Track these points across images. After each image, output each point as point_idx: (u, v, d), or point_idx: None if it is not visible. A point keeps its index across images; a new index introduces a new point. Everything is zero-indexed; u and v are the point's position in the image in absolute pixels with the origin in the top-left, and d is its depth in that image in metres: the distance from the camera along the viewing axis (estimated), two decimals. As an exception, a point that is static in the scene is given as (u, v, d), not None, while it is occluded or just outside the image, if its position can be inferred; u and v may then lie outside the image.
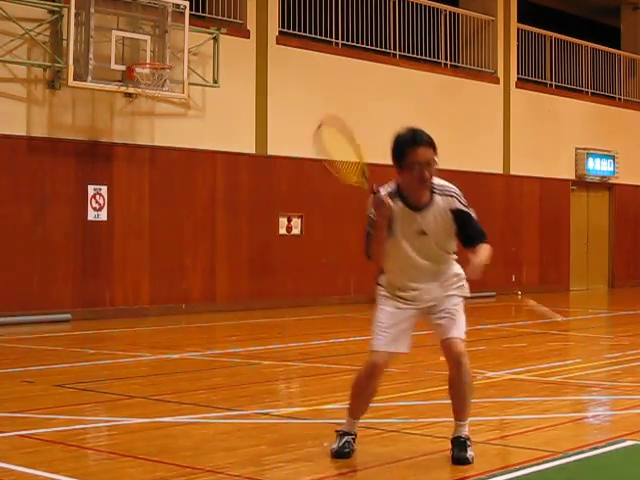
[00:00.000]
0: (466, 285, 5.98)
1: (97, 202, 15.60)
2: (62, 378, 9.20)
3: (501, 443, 6.49)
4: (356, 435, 5.96)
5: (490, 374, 9.41)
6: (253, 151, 17.73)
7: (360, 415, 5.98)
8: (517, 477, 5.39)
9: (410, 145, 5.65)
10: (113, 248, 15.80)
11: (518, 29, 23.04)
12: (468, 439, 5.80)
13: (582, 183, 24.53)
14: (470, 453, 5.73)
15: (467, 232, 5.81)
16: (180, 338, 13.31)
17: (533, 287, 22.79)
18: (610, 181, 25.18)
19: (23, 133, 14.86)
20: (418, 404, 7.60)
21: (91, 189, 15.55)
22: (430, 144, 5.73)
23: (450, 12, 21.68)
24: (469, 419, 5.93)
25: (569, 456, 5.86)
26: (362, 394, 5.88)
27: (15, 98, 14.77)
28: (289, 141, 18.13)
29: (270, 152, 17.92)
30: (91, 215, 15.55)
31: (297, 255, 18.33)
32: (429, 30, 21.00)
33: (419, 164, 5.62)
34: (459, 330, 5.92)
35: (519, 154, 22.75)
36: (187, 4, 15.83)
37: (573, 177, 24.26)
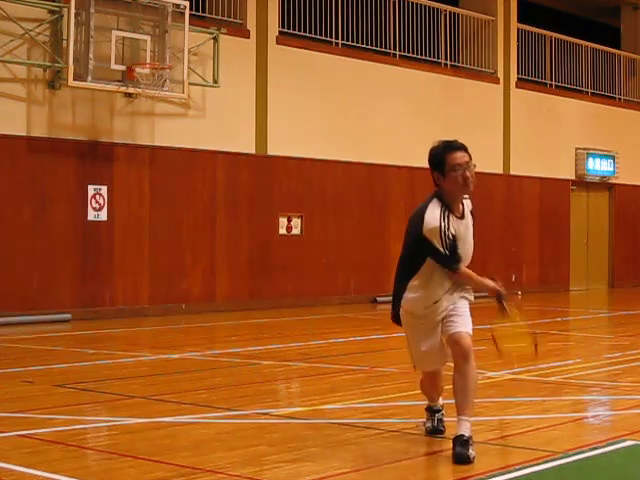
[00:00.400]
0: (471, 290, 6.43)
1: (97, 202, 15.60)
2: (62, 378, 9.20)
3: (501, 443, 6.49)
4: (443, 409, 6.60)
5: (490, 374, 9.41)
6: (253, 151, 17.73)
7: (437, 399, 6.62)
8: (517, 477, 5.39)
9: (448, 151, 5.96)
10: (113, 248, 15.80)
11: (518, 29, 23.04)
12: (470, 438, 5.83)
13: (582, 183, 24.53)
14: (472, 452, 5.76)
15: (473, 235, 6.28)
16: (180, 338, 13.31)
17: (533, 287, 22.80)
18: (610, 181, 25.18)
19: (23, 133, 14.86)
20: (418, 404, 7.59)
21: (91, 189, 15.55)
22: (465, 149, 6.06)
23: (450, 12, 21.68)
24: (472, 418, 5.97)
25: (569, 456, 5.86)
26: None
27: (15, 98, 14.78)
28: (289, 141, 18.14)
29: (270, 152, 17.92)
30: (91, 215, 15.55)
31: (297, 255, 18.33)
32: (429, 30, 21.00)
33: (460, 165, 5.93)
34: (467, 327, 6.30)
35: (519, 154, 22.75)
36: (187, 4, 15.83)
37: (573, 177, 24.26)
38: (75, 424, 6.98)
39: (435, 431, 6.50)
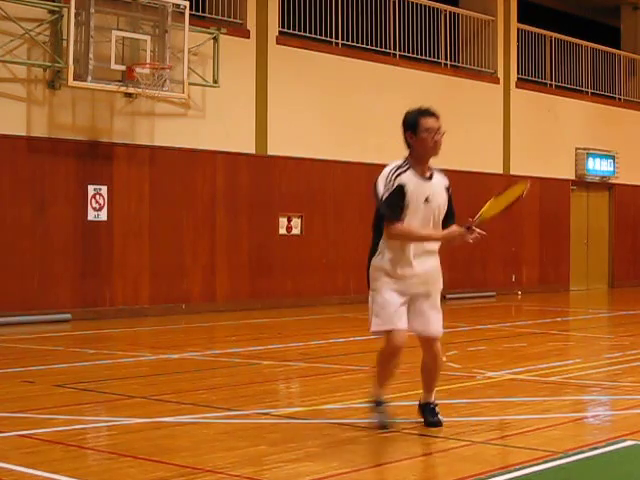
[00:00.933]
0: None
1: (97, 202, 15.60)
2: (62, 378, 9.20)
3: (501, 443, 6.49)
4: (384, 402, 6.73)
5: (490, 374, 9.41)
6: (253, 151, 17.73)
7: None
8: (517, 477, 5.39)
9: (423, 115, 6.51)
10: (113, 248, 15.80)
11: (518, 29, 23.04)
12: (437, 405, 6.70)
13: (582, 183, 24.53)
14: (441, 417, 6.62)
15: (450, 210, 6.62)
16: (180, 338, 13.31)
17: (533, 287, 22.81)
18: (610, 181, 25.19)
19: (23, 133, 14.86)
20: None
21: (91, 189, 15.56)
22: (438, 117, 6.59)
23: (450, 12, 21.68)
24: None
25: (569, 456, 5.86)
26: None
27: (15, 98, 14.78)
28: (289, 141, 18.15)
29: (270, 152, 17.92)
30: (91, 215, 15.55)
31: (297, 255, 18.33)
32: (429, 30, 21.00)
33: (431, 129, 6.49)
34: (440, 326, 6.79)
35: (519, 154, 22.75)
36: (187, 4, 15.83)
37: (573, 177, 24.27)
38: (75, 424, 6.98)
39: (385, 426, 6.62)
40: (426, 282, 6.64)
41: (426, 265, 6.62)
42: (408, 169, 6.44)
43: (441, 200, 6.52)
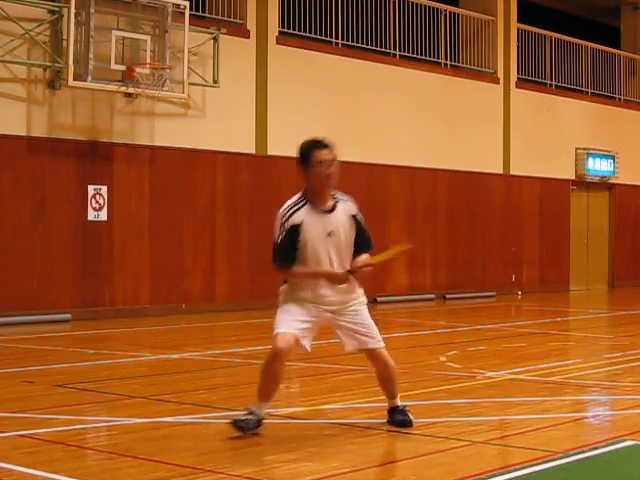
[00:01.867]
0: (362, 295, 6.71)
1: (97, 202, 15.60)
2: (62, 378, 9.19)
3: (501, 443, 6.49)
4: (263, 419, 6.48)
5: (490, 374, 9.41)
6: (253, 151, 17.73)
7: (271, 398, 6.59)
8: (517, 477, 5.39)
9: (316, 147, 6.34)
10: (113, 248, 15.80)
11: (518, 29, 23.04)
12: (405, 406, 6.68)
13: (582, 183, 24.53)
14: (412, 417, 6.61)
15: (360, 239, 6.50)
16: (180, 338, 13.31)
17: (533, 287, 22.80)
18: (610, 181, 25.19)
19: (23, 133, 14.86)
20: (418, 404, 7.59)
21: (91, 189, 15.56)
22: (332, 148, 6.39)
23: (450, 12, 21.68)
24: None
25: (569, 456, 5.86)
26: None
27: (15, 98, 14.78)
28: (289, 141, 17.97)
29: (270, 152, 17.92)
30: (91, 215, 15.55)
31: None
32: (429, 30, 21.00)
33: (323, 162, 6.29)
34: (373, 336, 6.61)
35: (519, 154, 22.75)
36: (187, 4, 15.83)
37: (573, 177, 24.27)
38: (75, 424, 6.98)
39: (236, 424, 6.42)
40: (336, 302, 6.50)
41: (335, 287, 6.46)
42: (304, 204, 6.34)
43: (346, 231, 6.39)
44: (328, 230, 6.31)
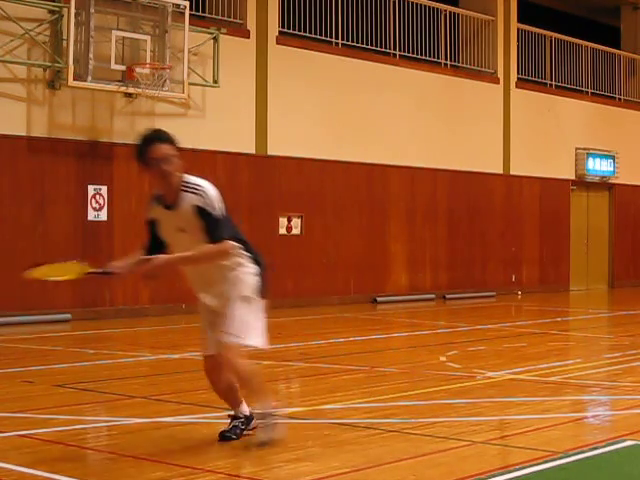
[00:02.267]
0: (247, 284, 6.23)
1: (97, 202, 15.60)
2: (62, 378, 9.19)
3: (501, 443, 6.49)
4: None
5: (490, 374, 9.41)
6: (253, 151, 17.73)
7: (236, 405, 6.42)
8: (517, 477, 5.39)
9: (148, 143, 5.99)
10: (113, 248, 15.78)
11: (518, 29, 23.04)
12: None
13: (582, 183, 24.53)
14: (263, 436, 6.07)
15: (207, 232, 6.01)
16: (180, 338, 13.30)
17: (533, 287, 22.80)
18: (610, 181, 25.19)
19: (23, 133, 14.86)
20: (418, 404, 7.59)
21: (91, 189, 15.55)
22: (167, 141, 6.05)
23: (450, 12, 21.68)
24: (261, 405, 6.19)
25: (569, 456, 5.86)
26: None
27: (15, 98, 14.77)
28: (289, 141, 18.14)
29: (270, 152, 17.92)
30: (91, 215, 15.55)
31: (297, 255, 18.32)
32: (429, 30, 21.00)
33: (156, 159, 5.92)
34: (233, 334, 6.25)
35: (519, 154, 22.75)
36: (187, 4, 15.83)
37: (573, 177, 24.27)
38: (75, 424, 6.98)
39: (224, 437, 6.26)
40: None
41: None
42: (156, 200, 6.11)
43: (192, 224, 5.98)
44: (177, 226, 6.03)
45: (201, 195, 6.01)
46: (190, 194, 6.00)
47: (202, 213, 5.96)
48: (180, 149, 6.12)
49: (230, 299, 6.18)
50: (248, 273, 6.21)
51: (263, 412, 6.14)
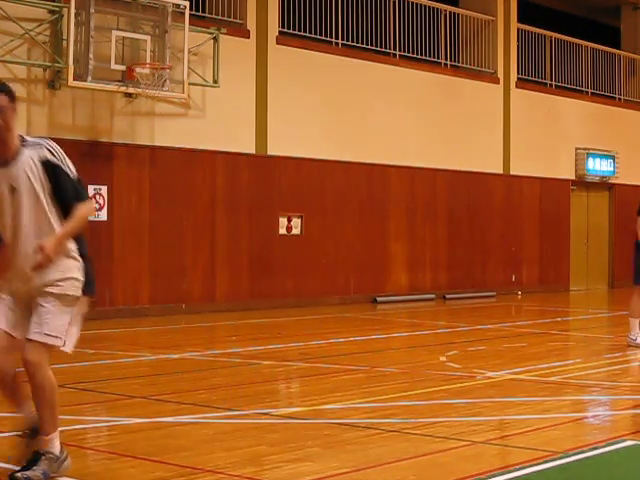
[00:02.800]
0: (73, 282, 5.60)
1: (97, 202, 15.60)
2: (62, 378, 9.17)
3: (501, 443, 6.49)
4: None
5: (490, 374, 9.41)
6: (253, 151, 17.73)
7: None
8: (517, 477, 5.39)
9: None
10: (113, 248, 15.79)
11: (518, 29, 23.04)
12: (46, 454, 5.25)
13: (582, 183, 24.53)
14: (38, 472, 5.13)
15: (60, 192, 5.32)
16: (180, 338, 13.31)
17: (533, 287, 22.80)
18: (610, 181, 25.19)
19: (23, 133, 14.82)
20: (418, 404, 7.60)
21: (91, 189, 15.55)
22: (4, 91, 5.63)
23: (450, 12, 21.68)
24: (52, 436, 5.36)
25: (569, 456, 5.86)
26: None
27: (15, 98, 14.75)
28: (289, 141, 18.14)
29: (270, 152, 17.92)
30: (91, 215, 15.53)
31: (297, 255, 18.32)
32: (429, 30, 21.00)
33: None
34: (51, 335, 5.60)
35: (519, 154, 22.75)
36: (187, 4, 15.83)
37: (573, 177, 24.27)
38: (75, 424, 6.97)
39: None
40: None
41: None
42: None
43: (32, 182, 5.23)
44: (9, 184, 5.22)
45: (50, 150, 5.36)
46: (32, 148, 5.38)
47: (56, 171, 5.25)
48: (15, 100, 5.59)
49: (54, 293, 5.45)
50: (76, 266, 5.61)
51: (53, 455, 5.27)
